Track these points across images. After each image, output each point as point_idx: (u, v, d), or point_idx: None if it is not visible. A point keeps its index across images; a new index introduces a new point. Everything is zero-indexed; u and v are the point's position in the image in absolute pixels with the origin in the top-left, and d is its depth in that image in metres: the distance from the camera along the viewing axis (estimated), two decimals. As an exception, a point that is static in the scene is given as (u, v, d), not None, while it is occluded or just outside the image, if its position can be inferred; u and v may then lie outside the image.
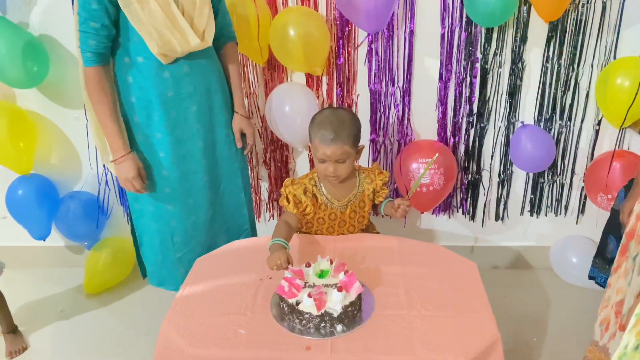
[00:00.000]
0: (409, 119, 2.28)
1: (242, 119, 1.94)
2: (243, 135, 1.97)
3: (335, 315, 1.32)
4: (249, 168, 2.41)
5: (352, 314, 1.35)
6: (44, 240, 2.44)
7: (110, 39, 1.67)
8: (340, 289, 1.33)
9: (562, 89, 2.19)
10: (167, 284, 2.02)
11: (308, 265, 1.44)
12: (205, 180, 1.89)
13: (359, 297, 1.37)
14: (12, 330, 2.13)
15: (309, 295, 1.31)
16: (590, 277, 2.12)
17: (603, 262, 2.05)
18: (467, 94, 2.22)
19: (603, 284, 2.02)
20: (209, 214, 1.94)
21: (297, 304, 1.33)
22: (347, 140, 1.62)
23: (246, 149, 1.98)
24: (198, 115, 1.81)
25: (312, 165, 2.41)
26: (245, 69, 2.24)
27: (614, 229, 1.95)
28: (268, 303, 1.43)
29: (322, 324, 1.32)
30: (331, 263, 1.44)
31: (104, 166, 2.42)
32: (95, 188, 2.47)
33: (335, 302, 1.32)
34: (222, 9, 1.84)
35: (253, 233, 2.14)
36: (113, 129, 1.71)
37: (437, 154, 1.82)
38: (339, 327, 1.32)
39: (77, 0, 1.63)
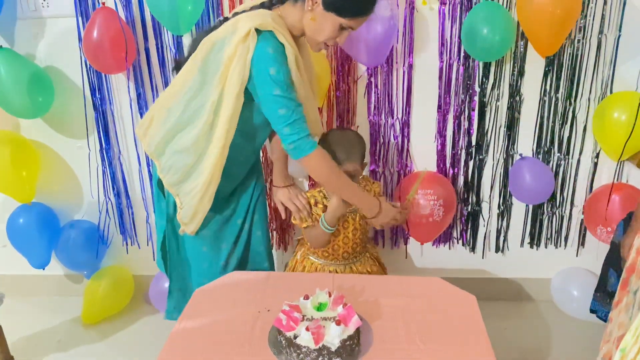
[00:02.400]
0: (407, 151, 2.30)
1: (278, 190, 1.97)
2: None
3: (333, 349, 1.30)
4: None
5: (351, 348, 1.34)
6: (43, 269, 2.44)
7: None
8: (338, 323, 1.33)
9: (560, 122, 2.21)
10: None
11: (306, 297, 1.44)
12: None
13: (358, 330, 1.36)
14: (8, 360, 2.11)
15: (307, 329, 1.31)
16: (592, 311, 2.10)
17: (604, 295, 2.04)
18: (466, 126, 2.25)
19: (604, 318, 2.01)
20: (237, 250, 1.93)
21: (295, 337, 1.32)
22: (357, 159, 1.78)
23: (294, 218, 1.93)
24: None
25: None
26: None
27: (614, 262, 1.95)
28: (265, 336, 1.42)
29: (320, 358, 1.31)
30: (330, 296, 1.44)
31: (105, 195, 2.43)
32: (95, 217, 2.48)
33: (334, 336, 1.31)
34: None
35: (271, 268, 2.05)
36: (357, 187, 1.74)
37: (425, 170, 1.87)
38: (337, 362, 1.31)
39: (276, 97, 1.55)
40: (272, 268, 2.01)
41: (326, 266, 1.92)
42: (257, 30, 1.52)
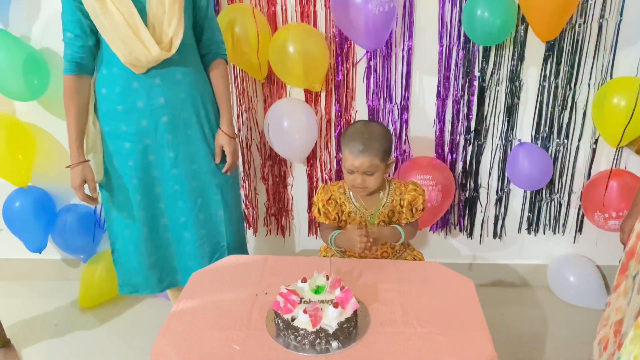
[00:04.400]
0: (406, 136, 2.29)
1: (223, 136, 1.92)
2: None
3: (331, 331, 1.31)
4: (247, 183, 2.42)
5: (348, 331, 1.34)
6: (40, 253, 2.43)
7: (86, 50, 1.75)
8: (336, 305, 1.33)
9: (559, 107, 2.20)
10: (141, 289, 2.04)
11: (304, 280, 1.44)
12: (176, 189, 1.90)
13: (355, 313, 1.36)
14: (5, 344, 2.11)
15: (305, 311, 1.31)
16: None
17: None
18: (465, 112, 2.24)
19: None
20: (181, 220, 1.94)
21: (293, 319, 1.33)
22: (376, 153, 1.62)
23: (225, 167, 1.94)
24: (169, 126, 1.83)
25: (309, 180, 2.41)
26: (245, 85, 2.26)
27: None
28: (263, 319, 1.42)
29: (318, 341, 1.31)
30: (327, 279, 1.44)
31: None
32: (92, 201, 2.47)
33: (331, 319, 1.31)
34: (209, 25, 1.86)
35: (235, 252, 2.04)
36: (72, 136, 1.81)
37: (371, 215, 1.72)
38: (335, 344, 1.31)
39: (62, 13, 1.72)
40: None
41: None
42: None
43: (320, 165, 2.37)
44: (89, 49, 1.76)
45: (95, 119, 1.84)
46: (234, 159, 1.95)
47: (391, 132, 2.25)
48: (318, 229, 2.43)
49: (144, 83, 1.76)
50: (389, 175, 1.88)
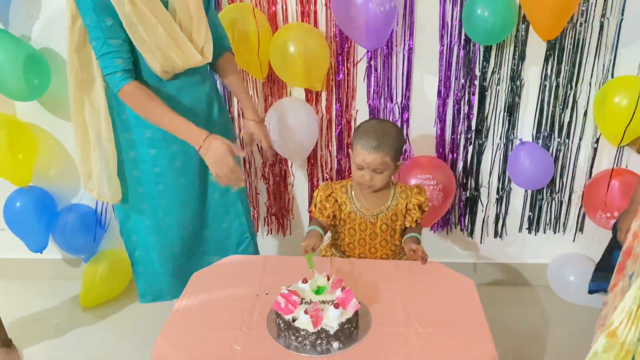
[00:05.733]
0: (407, 135, 2.28)
1: (251, 123, 1.85)
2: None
3: (332, 332, 1.31)
4: (248, 182, 2.42)
5: (349, 331, 1.34)
6: (41, 253, 2.44)
7: (131, 54, 1.61)
8: (337, 306, 1.33)
9: (560, 106, 2.20)
10: (164, 296, 2.02)
11: (305, 281, 1.43)
12: (200, 191, 1.89)
13: (356, 314, 1.36)
14: (6, 344, 2.11)
15: (306, 312, 1.31)
16: (591, 292, 2.09)
17: (606, 274, 2.01)
18: (466, 111, 2.23)
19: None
20: (204, 222, 1.94)
21: (294, 320, 1.32)
22: (388, 152, 1.61)
23: (266, 151, 1.87)
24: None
25: (310, 180, 2.41)
26: (245, 84, 2.25)
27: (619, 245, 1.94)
28: (264, 319, 1.42)
29: (319, 341, 1.31)
30: (328, 279, 1.44)
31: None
32: (93, 201, 2.47)
33: (332, 319, 1.31)
34: (214, 20, 1.82)
35: (254, 243, 2.08)
36: (178, 122, 1.62)
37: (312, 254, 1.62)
38: (336, 345, 1.31)
39: (88, 25, 1.57)
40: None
41: None
42: None
43: (321, 164, 2.37)
44: (132, 53, 1.63)
45: (109, 128, 1.76)
46: (269, 141, 1.87)
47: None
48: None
49: (170, 89, 1.70)
50: (396, 178, 1.87)
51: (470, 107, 2.23)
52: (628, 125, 1.96)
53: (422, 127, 2.27)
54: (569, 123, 2.22)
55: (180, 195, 1.86)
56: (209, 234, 1.98)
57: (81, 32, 1.66)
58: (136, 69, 1.65)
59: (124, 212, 1.92)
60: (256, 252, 2.09)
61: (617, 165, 2.23)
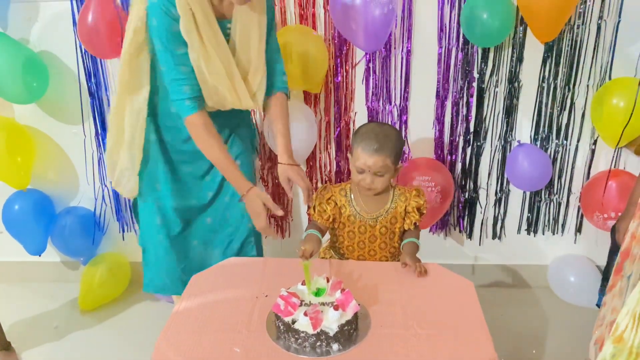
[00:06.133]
0: (406, 137, 2.29)
1: (287, 167, 1.78)
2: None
3: (332, 334, 1.31)
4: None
5: (349, 333, 1.34)
6: (40, 256, 2.43)
7: (197, 82, 1.62)
8: (336, 308, 1.33)
9: (558, 108, 2.20)
10: (166, 290, 2.02)
11: (304, 283, 1.44)
12: (209, 196, 1.91)
13: (356, 315, 1.36)
14: (5, 347, 2.11)
15: (305, 314, 1.31)
16: (599, 306, 2.07)
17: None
18: (464, 113, 2.24)
19: None
20: (207, 222, 1.95)
21: (293, 322, 1.32)
22: (389, 154, 1.60)
23: (305, 199, 1.77)
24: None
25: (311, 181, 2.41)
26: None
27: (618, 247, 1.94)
28: (264, 321, 1.42)
29: (318, 343, 1.31)
30: (328, 281, 1.44)
31: (101, 182, 2.42)
32: (91, 204, 2.47)
33: (332, 321, 1.31)
34: (275, 57, 1.79)
35: (258, 245, 2.05)
36: (232, 167, 1.70)
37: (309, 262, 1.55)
38: (335, 346, 1.31)
39: (158, 50, 1.58)
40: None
41: None
42: None
43: (320, 166, 2.38)
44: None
45: (142, 134, 1.78)
46: (307, 183, 1.77)
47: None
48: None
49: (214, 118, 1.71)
50: (395, 180, 1.86)
51: (469, 109, 2.23)
52: (625, 126, 1.96)
53: (421, 129, 2.28)
54: (567, 125, 2.23)
55: (189, 201, 1.90)
56: (215, 237, 1.97)
57: (138, 45, 1.66)
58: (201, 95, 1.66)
59: (140, 204, 1.93)
60: (260, 253, 2.08)
61: (614, 167, 2.24)
